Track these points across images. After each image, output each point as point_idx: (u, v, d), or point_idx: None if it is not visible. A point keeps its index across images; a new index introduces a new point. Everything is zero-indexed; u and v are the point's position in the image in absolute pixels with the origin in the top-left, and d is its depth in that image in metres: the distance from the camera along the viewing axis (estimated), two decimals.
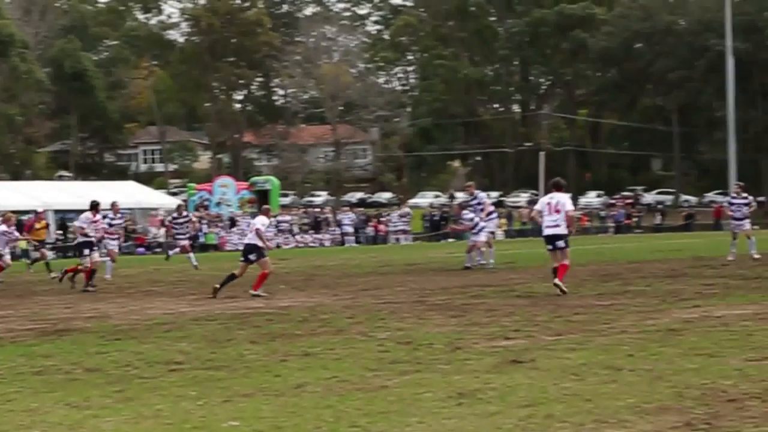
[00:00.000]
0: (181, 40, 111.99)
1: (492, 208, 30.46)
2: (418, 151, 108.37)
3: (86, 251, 25.83)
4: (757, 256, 27.64)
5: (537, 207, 21.28)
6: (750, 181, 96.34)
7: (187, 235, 36.69)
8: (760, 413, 8.10)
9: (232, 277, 22.13)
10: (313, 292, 22.46)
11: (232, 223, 61.95)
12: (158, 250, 56.12)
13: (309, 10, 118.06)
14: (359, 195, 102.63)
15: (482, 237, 28.96)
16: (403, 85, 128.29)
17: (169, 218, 39.03)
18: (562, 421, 8.00)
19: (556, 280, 19.61)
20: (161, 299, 22.27)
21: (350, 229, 64.99)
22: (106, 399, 9.80)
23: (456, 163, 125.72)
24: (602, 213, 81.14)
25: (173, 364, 12.09)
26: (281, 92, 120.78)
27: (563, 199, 20.34)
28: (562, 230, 20.09)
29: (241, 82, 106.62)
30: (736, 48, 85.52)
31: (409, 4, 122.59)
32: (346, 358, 12.03)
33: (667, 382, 9.59)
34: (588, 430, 7.72)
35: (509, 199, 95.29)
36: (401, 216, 66.78)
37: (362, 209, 77.60)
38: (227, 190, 70.21)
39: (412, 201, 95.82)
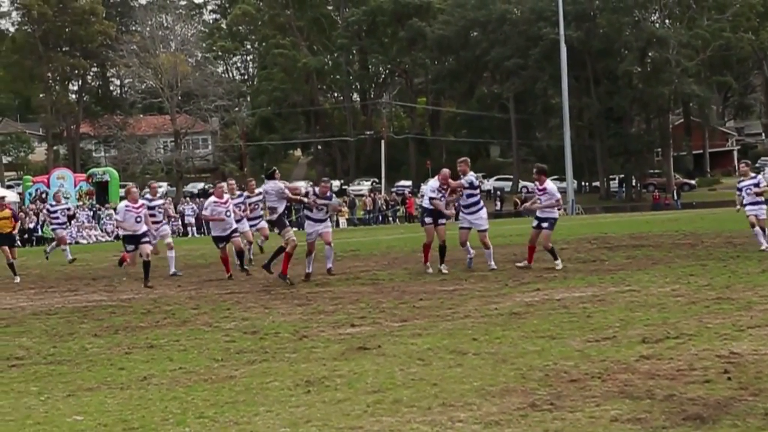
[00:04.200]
0: (13, 29, 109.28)
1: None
2: (259, 140, 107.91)
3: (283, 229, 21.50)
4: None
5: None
6: (586, 166, 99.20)
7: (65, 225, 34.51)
8: (600, 392, 8.29)
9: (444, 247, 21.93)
10: (157, 283, 22.16)
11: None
12: None
13: None
14: (201, 185, 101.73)
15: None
16: (242, 74, 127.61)
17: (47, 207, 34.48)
18: (410, 406, 8.06)
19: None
20: None
21: (192, 220, 64.30)
22: None
23: (297, 152, 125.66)
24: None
25: (14, 359, 11.82)
26: (118, 82, 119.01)
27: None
28: None
29: (76, 72, 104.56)
30: (569, 36, 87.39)
31: None
32: (191, 349, 11.92)
33: (511, 365, 9.74)
34: (435, 413, 7.79)
35: (351, 188, 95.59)
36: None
37: (204, 200, 76.84)
38: (65, 182, 68.86)
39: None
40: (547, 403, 7.94)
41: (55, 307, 18.01)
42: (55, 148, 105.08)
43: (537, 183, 22.02)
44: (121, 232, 23.32)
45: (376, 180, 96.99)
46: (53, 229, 35.42)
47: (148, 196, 26.13)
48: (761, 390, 8.10)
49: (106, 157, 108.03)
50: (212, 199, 24.24)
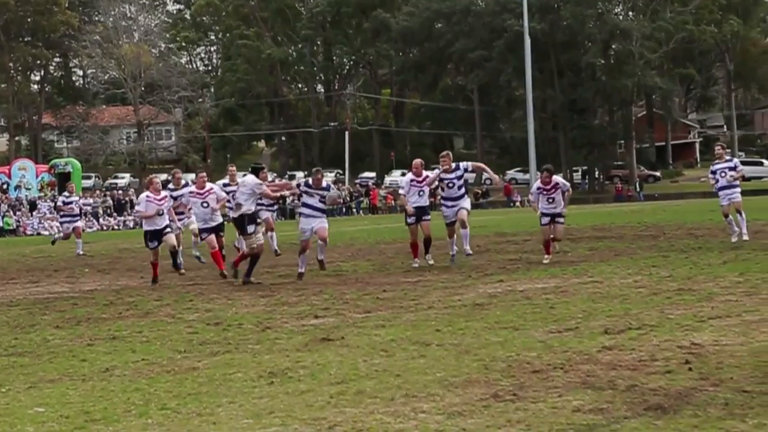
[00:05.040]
0: None
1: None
2: (222, 131, 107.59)
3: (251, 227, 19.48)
4: (739, 239, 22.78)
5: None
6: (549, 158, 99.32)
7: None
8: (562, 383, 8.31)
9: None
10: (119, 275, 22.09)
11: (32, 206, 60.38)
12: None
13: None
14: (164, 177, 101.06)
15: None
16: (206, 65, 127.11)
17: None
18: (373, 397, 8.07)
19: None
20: None
21: None
22: None
23: (261, 144, 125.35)
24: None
25: None
26: (80, 73, 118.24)
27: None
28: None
29: (38, 62, 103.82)
30: (533, 28, 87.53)
31: None
32: (154, 341, 11.88)
33: (474, 356, 9.75)
34: (398, 404, 7.79)
35: None
36: None
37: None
38: (26, 173, 68.52)
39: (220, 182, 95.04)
40: (509, 394, 7.96)
41: (16, 299, 17.92)
42: (16, 138, 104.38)
43: (543, 183, 21.37)
44: (144, 228, 21.02)
45: (340, 171, 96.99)
46: (62, 223, 35.02)
47: (170, 186, 24.49)
48: (722, 380, 8.15)
49: (68, 148, 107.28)
50: (188, 189, 22.99)
